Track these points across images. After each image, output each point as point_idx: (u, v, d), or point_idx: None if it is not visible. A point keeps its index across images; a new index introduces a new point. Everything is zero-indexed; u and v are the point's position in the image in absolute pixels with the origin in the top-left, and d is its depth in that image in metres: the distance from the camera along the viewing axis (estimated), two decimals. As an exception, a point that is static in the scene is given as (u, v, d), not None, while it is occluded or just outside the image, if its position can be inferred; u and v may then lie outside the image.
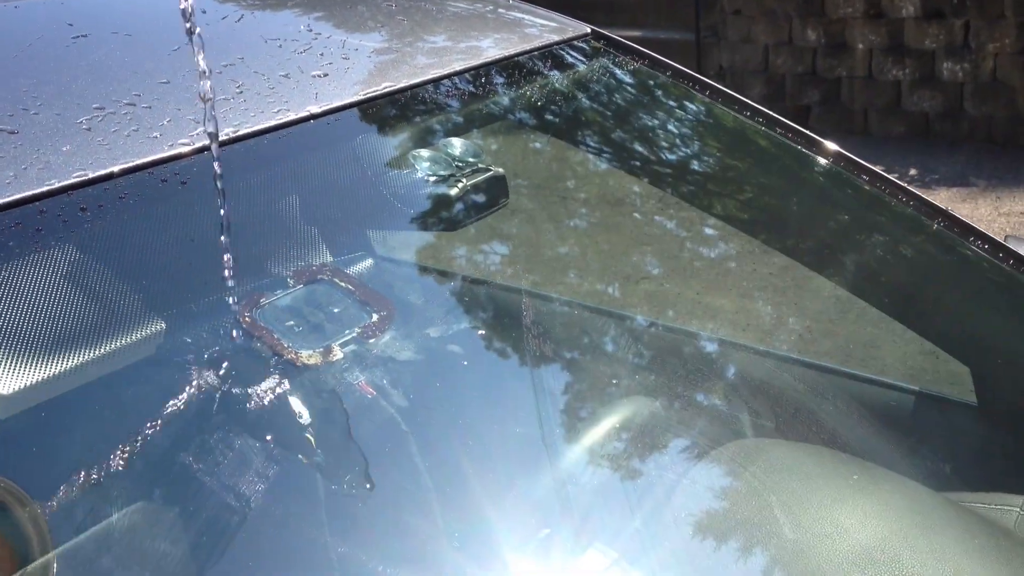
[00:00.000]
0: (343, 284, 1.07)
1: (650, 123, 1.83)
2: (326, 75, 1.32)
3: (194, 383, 0.94)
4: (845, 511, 1.28)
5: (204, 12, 1.43)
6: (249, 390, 0.94)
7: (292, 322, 1.01)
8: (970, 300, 1.73)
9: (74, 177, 1.01)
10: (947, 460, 1.67)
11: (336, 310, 1.04)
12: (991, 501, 1.46)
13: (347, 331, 1.02)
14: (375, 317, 1.04)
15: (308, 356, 0.97)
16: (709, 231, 1.82)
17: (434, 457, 0.98)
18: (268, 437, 0.93)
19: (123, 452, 0.88)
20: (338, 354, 0.99)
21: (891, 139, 6.84)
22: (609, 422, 1.42)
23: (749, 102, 1.76)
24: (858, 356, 2.15)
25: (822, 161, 1.72)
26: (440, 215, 1.37)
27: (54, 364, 0.93)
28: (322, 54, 1.40)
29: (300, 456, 0.93)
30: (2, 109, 1.09)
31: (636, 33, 7.50)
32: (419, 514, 1.00)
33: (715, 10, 7.65)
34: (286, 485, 0.92)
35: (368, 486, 0.93)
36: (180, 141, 1.10)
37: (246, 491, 0.91)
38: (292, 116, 1.21)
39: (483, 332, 1.25)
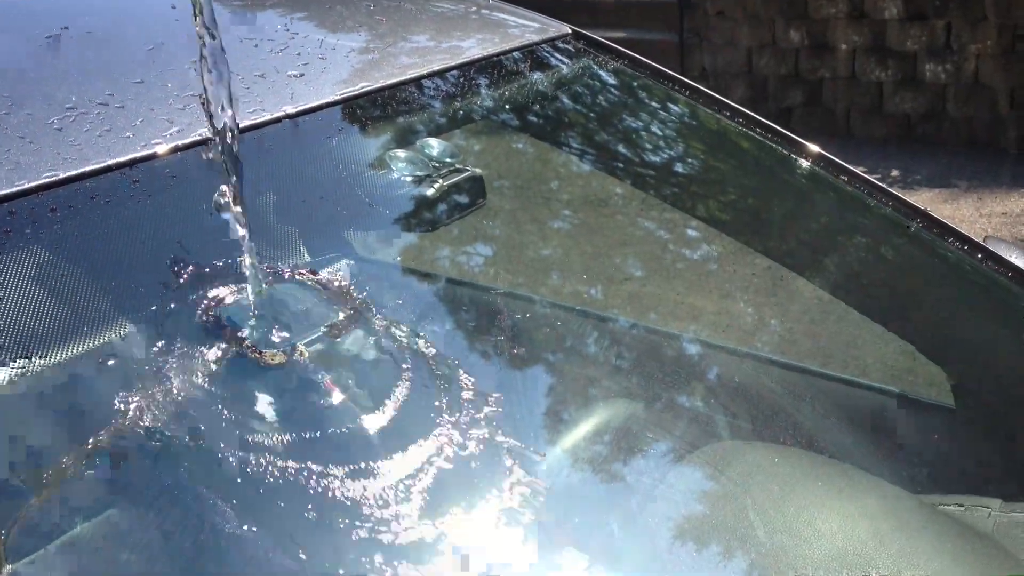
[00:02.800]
0: (311, 283, 1.07)
1: (631, 124, 1.82)
2: (302, 75, 1.31)
3: (158, 384, 0.93)
4: (821, 514, 1.29)
5: (174, 7, 1.42)
6: (214, 390, 0.94)
7: (257, 321, 1.00)
8: (949, 302, 1.74)
9: (44, 178, 1.00)
10: (923, 462, 1.67)
11: (303, 309, 1.04)
12: (966, 503, 1.47)
13: (313, 330, 1.01)
14: (341, 316, 1.03)
15: (272, 355, 0.97)
16: (691, 232, 1.82)
17: (405, 459, 0.97)
18: (233, 437, 0.92)
19: (88, 454, 0.87)
20: (304, 353, 0.98)
21: (873, 140, 6.87)
22: (587, 425, 1.42)
23: (729, 103, 1.76)
24: (838, 358, 2.15)
25: (803, 163, 1.72)
26: (417, 216, 1.36)
27: (18, 364, 0.92)
28: (299, 54, 1.39)
29: (267, 457, 0.92)
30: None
31: (619, 34, 7.50)
32: (388, 516, 0.99)
33: (698, 12, 7.66)
34: (255, 486, 0.91)
35: (338, 488, 0.93)
36: (153, 141, 1.10)
37: (215, 493, 0.90)
38: (267, 116, 1.20)
39: (459, 332, 1.24)
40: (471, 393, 1.09)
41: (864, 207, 1.70)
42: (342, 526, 0.92)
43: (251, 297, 0.99)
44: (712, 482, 1.33)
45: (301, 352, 0.98)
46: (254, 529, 0.89)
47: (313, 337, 1.00)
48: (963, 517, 1.42)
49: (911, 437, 1.75)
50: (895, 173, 6.18)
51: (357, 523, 0.93)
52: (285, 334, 0.98)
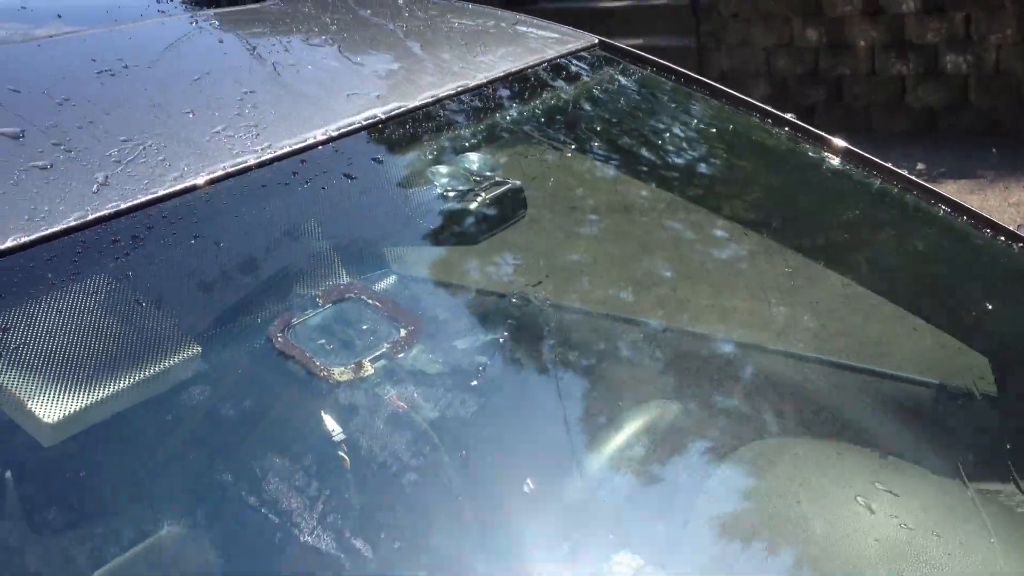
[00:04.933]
0: (371, 301, 1.10)
1: (661, 129, 1.85)
2: (350, 95, 1.34)
3: (231, 404, 0.96)
4: (871, 506, 1.30)
5: (221, 41, 1.45)
6: (284, 408, 0.97)
7: (323, 340, 1.03)
8: (987, 291, 1.74)
9: (107, 208, 1.04)
10: (970, 452, 1.67)
11: (364, 327, 1.07)
12: (1014, 491, 1.47)
13: (377, 347, 1.04)
14: (403, 332, 1.06)
15: (340, 372, 1.00)
16: (723, 234, 1.83)
17: (465, 466, 1.00)
18: (305, 453, 0.95)
19: (168, 473, 0.90)
20: (369, 370, 1.01)
21: (896, 135, 6.85)
22: (634, 427, 1.43)
23: (758, 104, 1.78)
24: (876, 352, 2.16)
25: (832, 159, 1.74)
26: (462, 229, 1.39)
27: (96, 391, 0.95)
28: (341, 77, 1.43)
29: (337, 470, 0.95)
30: (34, 145, 1.12)
31: (635, 42, 7.52)
32: (451, 523, 1.02)
33: (713, 15, 7.68)
34: (326, 498, 0.94)
35: (403, 495, 0.95)
36: (209, 169, 1.13)
37: (290, 506, 0.93)
38: (311, 140, 1.23)
39: (510, 342, 1.27)
40: (529, 400, 1.11)
41: (894, 200, 1.71)
42: (415, 534, 0.95)
43: (315, 317, 1.03)
44: (761, 478, 1.35)
45: (366, 368, 1.01)
46: (332, 540, 0.92)
47: (377, 353, 1.03)
48: (1012, 505, 1.43)
49: (956, 427, 1.75)
50: (920, 166, 6.16)
51: (431, 529, 0.96)
52: (350, 352, 1.01)
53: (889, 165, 1.70)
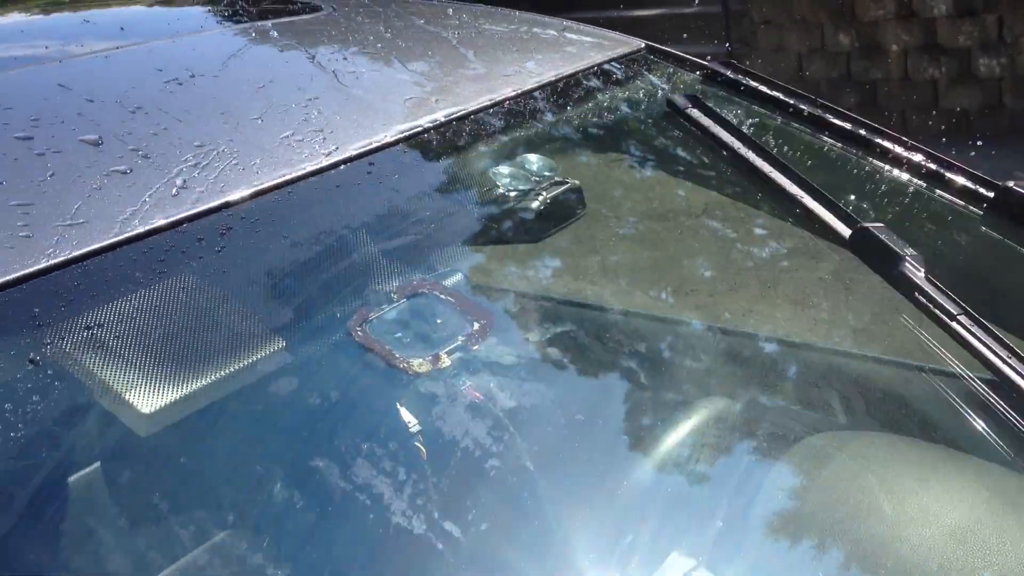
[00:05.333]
0: (442, 296, 1.13)
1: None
2: (409, 99, 1.38)
3: (317, 394, 0.99)
4: (931, 496, 1.31)
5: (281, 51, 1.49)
6: (368, 398, 1.00)
7: (400, 334, 1.06)
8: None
9: (188, 210, 1.07)
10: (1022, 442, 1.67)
11: (439, 321, 1.10)
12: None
13: (452, 340, 1.07)
14: (476, 326, 1.09)
15: (419, 364, 1.03)
16: (780, 239, 1.85)
17: (544, 458, 1.03)
18: (388, 440, 0.98)
19: (262, 461, 0.93)
20: (446, 361, 1.05)
21: (931, 139, 6.82)
22: (689, 425, 1.45)
23: (809, 96, 1.79)
24: (923, 349, 2.16)
25: (892, 155, 1.75)
26: (525, 227, 1.42)
27: (186, 384, 0.99)
28: (399, 83, 1.46)
29: (418, 457, 0.98)
30: (113, 151, 1.16)
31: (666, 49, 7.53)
32: (527, 513, 1.04)
33: (744, 22, 7.69)
34: (407, 487, 0.97)
35: (483, 486, 0.98)
36: (281, 172, 1.17)
37: (378, 493, 0.96)
38: (376, 143, 1.27)
39: (579, 337, 1.30)
40: (595, 396, 1.14)
41: (935, 194, 1.72)
42: (487, 523, 0.97)
43: (390, 312, 1.06)
44: (819, 471, 1.36)
45: (443, 360, 1.04)
46: (410, 526, 0.95)
47: (453, 346, 1.06)
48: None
49: (1006, 419, 1.76)
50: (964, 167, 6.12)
51: (502, 520, 0.98)
52: (427, 344, 1.04)
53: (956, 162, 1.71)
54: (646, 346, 1.54)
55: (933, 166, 1.71)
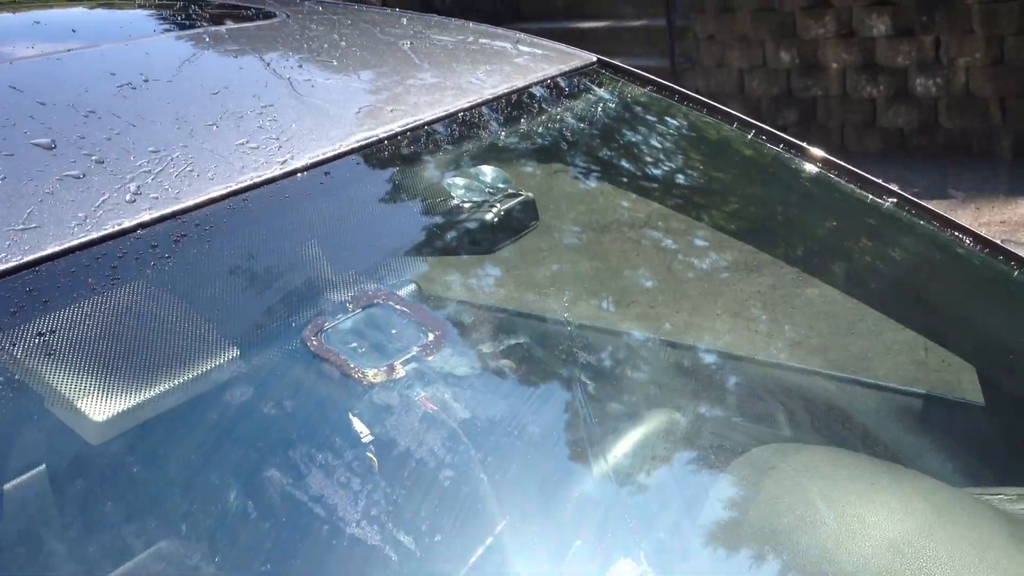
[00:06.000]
0: (397, 307, 1.14)
1: (660, 146, 1.90)
2: (364, 108, 1.38)
3: (271, 403, 0.99)
4: (867, 509, 1.33)
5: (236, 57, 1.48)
6: (322, 408, 1.00)
7: (355, 344, 1.07)
8: (971, 300, 1.79)
9: (142, 216, 1.07)
10: (959, 457, 1.73)
11: (393, 331, 1.10)
12: (1003, 492, 1.52)
13: (407, 351, 1.08)
14: (431, 336, 1.10)
15: (374, 374, 1.04)
16: (722, 247, 1.89)
17: (499, 467, 1.04)
18: (341, 449, 0.98)
19: (214, 470, 0.93)
20: (401, 372, 1.05)
21: (868, 156, 6.96)
22: (636, 436, 1.47)
23: (750, 120, 1.83)
24: (863, 364, 2.21)
25: (821, 173, 1.80)
26: (477, 238, 1.43)
27: (137, 393, 0.98)
28: (355, 91, 1.47)
29: (370, 467, 0.99)
30: (66, 155, 1.15)
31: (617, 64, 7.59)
32: (481, 521, 1.05)
33: (688, 36, 7.78)
34: (362, 496, 0.97)
35: (437, 496, 0.99)
36: (236, 179, 1.17)
37: (330, 503, 0.96)
38: (331, 152, 1.27)
39: (532, 348, 1.31)
40: (545, 408, 1.15)
41: (876, 210, 1.77)
42: (441, 535, 0.98)
43: (346, 322, 1.06)
44: (758, 484, 1.38)
45: (398, 371, 1.05)
46: (364, 536, 0.96)
47: (408, 357, 1.06)
48: (1002, 505, 1.47)
49: (944, 433, 1.81)
50: (893, 187, 6.25)
51: (454, 530, 0.99)
52: (381, 355, 1.05)
53: (879, 180, 1.76)
54: (595, 358, 1.56)
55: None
